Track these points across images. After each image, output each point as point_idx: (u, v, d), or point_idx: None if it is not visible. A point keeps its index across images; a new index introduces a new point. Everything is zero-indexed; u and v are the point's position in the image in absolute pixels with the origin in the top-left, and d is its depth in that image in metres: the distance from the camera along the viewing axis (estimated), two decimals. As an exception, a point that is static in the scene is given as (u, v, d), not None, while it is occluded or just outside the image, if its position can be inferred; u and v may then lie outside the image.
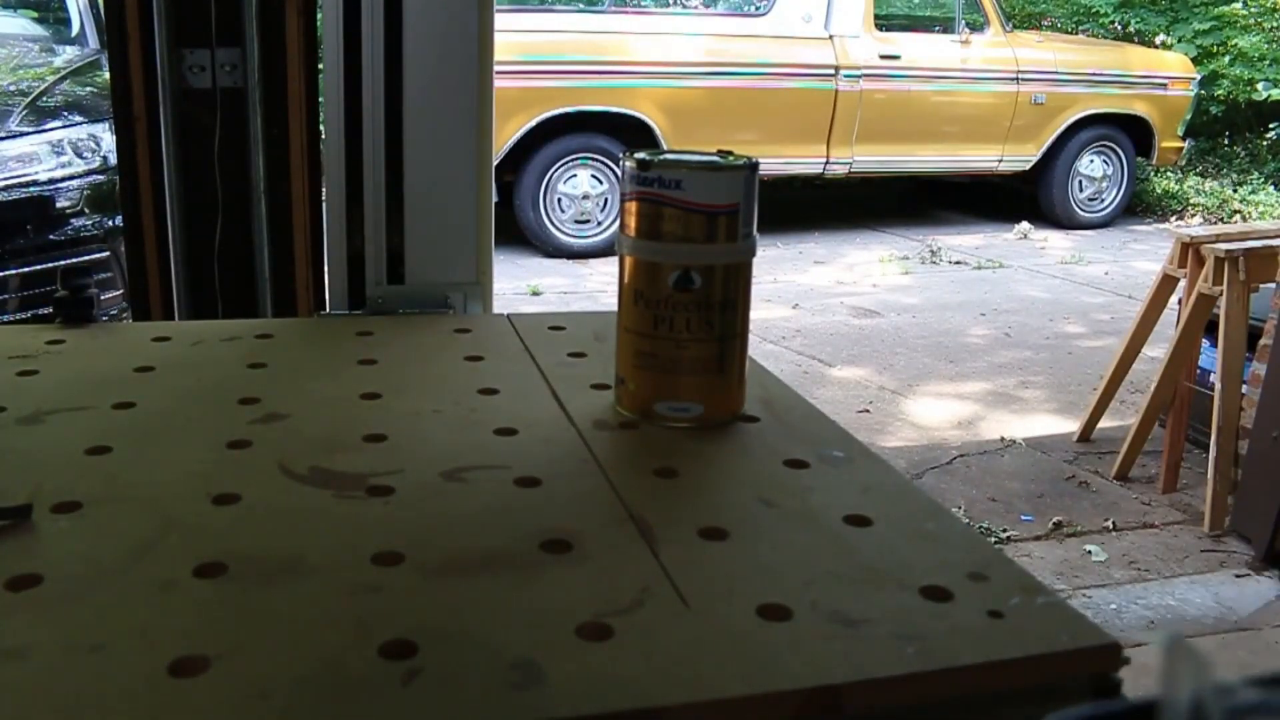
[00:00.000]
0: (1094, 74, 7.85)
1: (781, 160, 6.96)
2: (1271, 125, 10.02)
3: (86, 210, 3.65)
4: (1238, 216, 8.48)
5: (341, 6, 1.44)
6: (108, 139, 3.65)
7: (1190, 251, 3.54)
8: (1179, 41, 10.10)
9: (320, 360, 1.23)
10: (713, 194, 0.96)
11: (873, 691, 0.65)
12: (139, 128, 1.62)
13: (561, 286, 6.05)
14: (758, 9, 7.20)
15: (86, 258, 3.52)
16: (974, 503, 3.44)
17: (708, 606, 0.71)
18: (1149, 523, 3.34)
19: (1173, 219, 8.54)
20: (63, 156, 3.67)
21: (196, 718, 0.59)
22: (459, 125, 1.47)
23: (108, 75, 1.99)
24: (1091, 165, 8.03)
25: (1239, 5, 10.15)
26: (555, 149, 6.60)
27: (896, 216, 8.20)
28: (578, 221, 6.70)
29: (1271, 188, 9.26)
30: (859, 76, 7.11)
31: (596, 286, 6.06)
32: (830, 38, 7.09)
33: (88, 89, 4.15)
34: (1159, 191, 9.08)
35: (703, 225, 0.97)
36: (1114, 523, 3.31)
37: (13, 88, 4.09)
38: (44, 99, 3.96)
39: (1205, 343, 3.62)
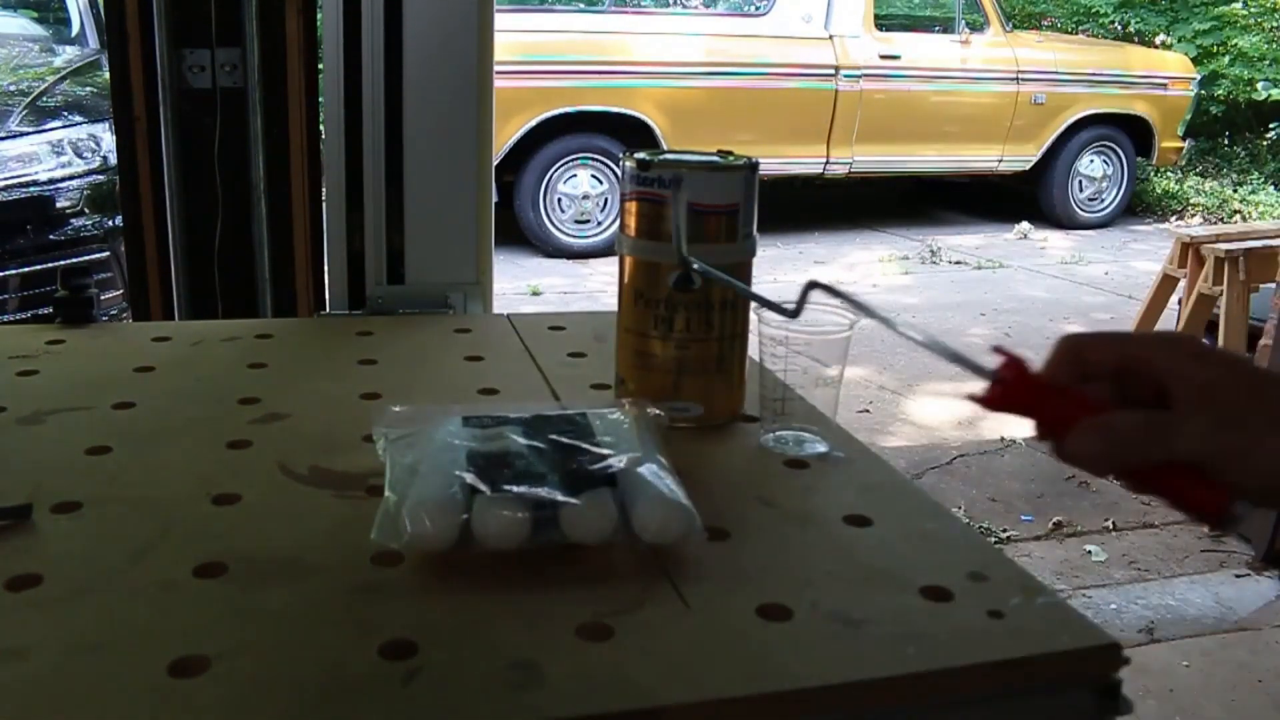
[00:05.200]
0: (1094, 74, 7.84)
1: (781, 160, 6.95)
2: (1271, 125, 10.02)
3: (86, 210, 3.64)
4: (1238, 216, 8.47)
5: (341, 6, 1.44)
6: (108, 139, 3.64)
7: (1190, 251, 3.54)
8: (1179, 41, 10.10)
9: (320, 360, 1.23)
10: (713, 194, 0.96)
11: (873, 691, 0.65)
12: (139, 128, 1.62)
13: (561, 286, 6.05)
14: (758, 9, 7.20)
15: (86, 258, 3.51)
16: (974, 503, 3.44)
17: (708, 606, 0.71)
18: (1149, 523, 3.33)
19: (1173, 219, 8.54)
20: (63, 156, 3.67)
21: (196, 718, 0.59)
22: (459, 125, 1.47)
23: (108, 75, 1.98)
24: (1091, 165, 8.02)
25: (1239, 5, 10.15)
26: (555, 149, 6.60)
27: (896, 216, 8.19)
28: (578, 221, 6.69)
29: (1271, 188, 9.26)
30: (859, 76, 7.11)
31: (596, 286, 6.05)
32: (830, 38, 7.08)
33: (88, 89, 4.14)
34: (1159, 191, 9.08)
35: (703, 225, 0.97)
36: (1114, 523, 3.31)
37: (13, 88, 4.09)
38: (44, 99, 3.95)
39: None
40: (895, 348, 5.04)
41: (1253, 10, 10.14)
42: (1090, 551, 3.14)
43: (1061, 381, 0.65)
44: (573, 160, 6.65)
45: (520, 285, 5.94)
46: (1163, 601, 2.87)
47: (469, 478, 0.75)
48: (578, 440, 0.82)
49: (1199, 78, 8.56)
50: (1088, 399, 0.64)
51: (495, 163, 1.62)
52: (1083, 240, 7.67)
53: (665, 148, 5.83)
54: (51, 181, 3.62)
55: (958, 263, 6.89)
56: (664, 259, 0.98)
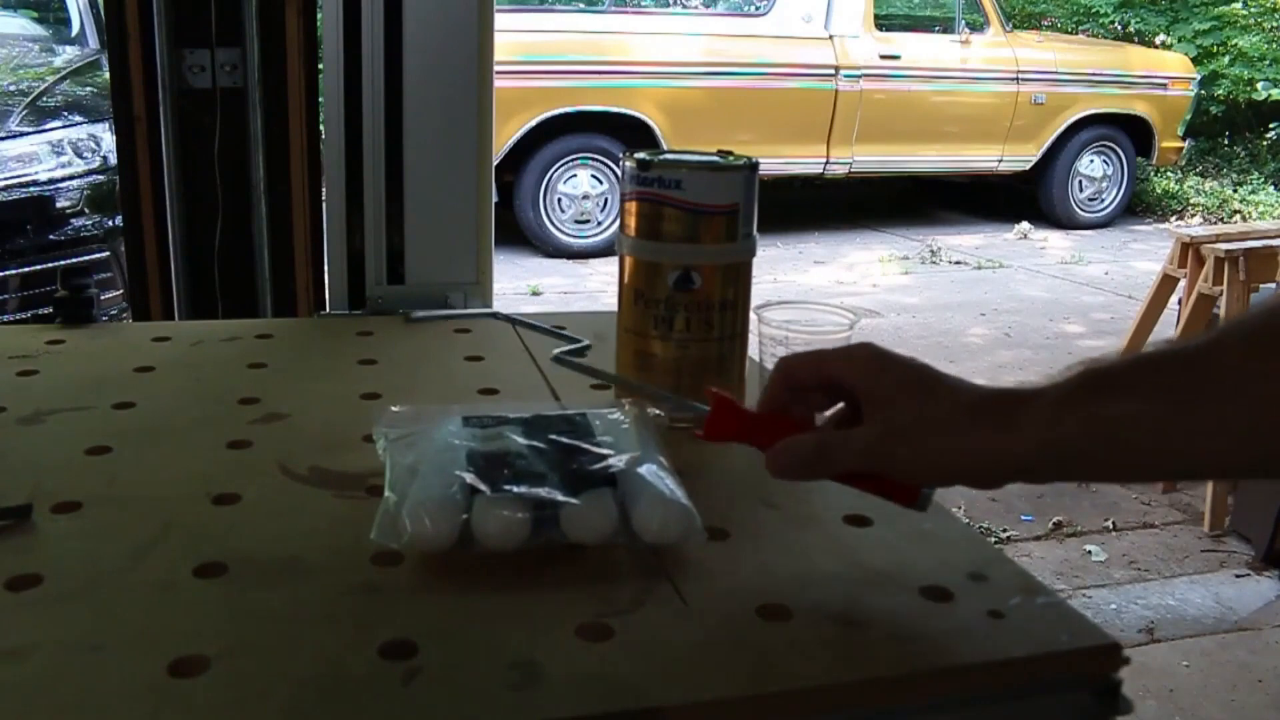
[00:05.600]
0: (1094, 74, 7.84)
1: (781, 160, 6.95)
2: (1271, 125, 10.02)
3: (86, 210, 3.64)
4: (1238, 216, 8.47)
5: (341, 6, 1.44)
6: (108, 139, 3.64)
7: (1190, 251, 3.54)
8: (1179, 41, 10.10)
9: (320, 360, 1.23)
10: (713, 194, 0.96)
11: (873, 691, 0.65)
12: (139, 128, 1.62)
13: (561, 286, 6.05)
14: (758, 9, 7.20)
15: (86, 258, 3.51)
16: (974, 503, 3.44)
17: (708, 606, 0.71)
18: (1149, 523, 3.34)
19: (1173, 219, 8.54)
20: (63, 156, 3.67)
21: (196, 718, 0.59)
22: (459, 125, 1.47)
23: (108, 75, 1.98)
24: (1091, 165, 8.03)
25: (1239, 5, 10.15)
26: (555, 149, 6.60)
27: (896, 216, 8.19)
28: (578, 221, 6.70)
29: (1271, 188, 9.26)
30: (859, 76, 7.11)
31: (596, 286, 6.05)
32: (830, 38, 7.08)
33: (88, 89, 4.14)
34: (1159, 191, 9.08)
35: (703, 225, 0.97)
36: (1114, 523, 3.31)
37: (13, 88, 4.09)
38: (44, 99, 3.95)
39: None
40: (896, 347, 5.03)
41: (1253, 10, 10.14)
42: (1090, 551, 3.14)
43: (779, 402, 0.74)
44: (573, 160, 6.65)
45: (520, 285, 5.94)
46: (1163, 601, 2.87)
47: (469, 478, 0.75)
48: (578, 440, 0.82)
49: (1199, 78, 8.56)
50: (789, 421, 0.73)
51: (495, 163, 1.62)
52: (1083, 240, 7.67)
53: (665, 148, 5.83)
54: (51, 181, 3.62)
55: (958, 263, 6.89)
56: (664, 259, 0.98)
